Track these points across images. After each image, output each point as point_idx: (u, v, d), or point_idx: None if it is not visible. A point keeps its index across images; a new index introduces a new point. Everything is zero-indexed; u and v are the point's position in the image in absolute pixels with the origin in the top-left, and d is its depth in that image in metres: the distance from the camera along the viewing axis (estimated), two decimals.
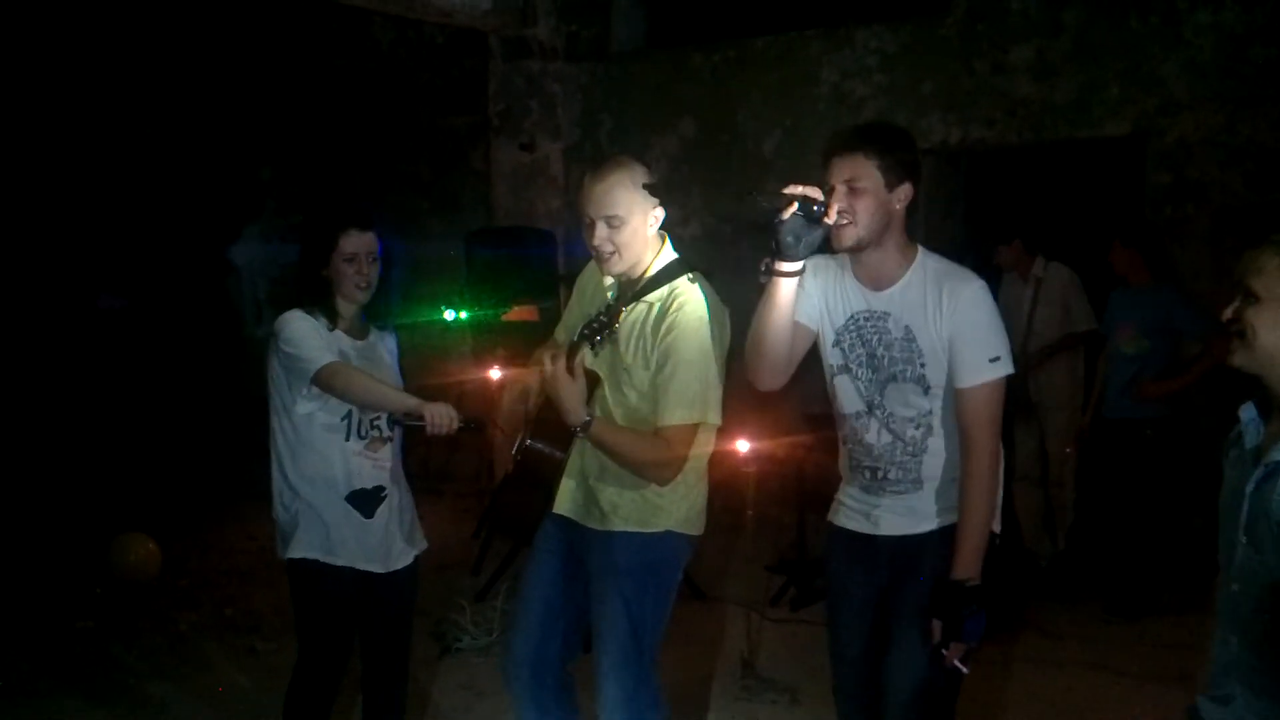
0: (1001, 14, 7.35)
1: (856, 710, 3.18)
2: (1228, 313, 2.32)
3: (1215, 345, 5.79)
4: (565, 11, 8.53)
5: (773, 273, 2.92)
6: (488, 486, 7.72)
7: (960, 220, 8.07)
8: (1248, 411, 2.38)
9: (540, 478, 3.37)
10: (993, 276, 6.67)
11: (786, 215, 2.81)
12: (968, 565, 2.89)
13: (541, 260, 7.25)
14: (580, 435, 3.12)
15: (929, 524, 3.01)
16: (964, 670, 2.92)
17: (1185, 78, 6.87)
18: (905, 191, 2.94)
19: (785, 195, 2.82)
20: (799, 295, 3.00)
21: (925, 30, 7.63)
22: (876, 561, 3.08)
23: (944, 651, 2.88)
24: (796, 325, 3.04)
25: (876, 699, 3.07)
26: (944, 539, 2.97)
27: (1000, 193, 8.03)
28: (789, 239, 2.84)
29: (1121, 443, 6.01)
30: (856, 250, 2.95)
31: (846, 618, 3.18)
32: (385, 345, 3.73)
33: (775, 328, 2.99)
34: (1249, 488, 2.28)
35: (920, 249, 3.02)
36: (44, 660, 5.39)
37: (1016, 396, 6.23)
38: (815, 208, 2.81)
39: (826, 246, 2.96)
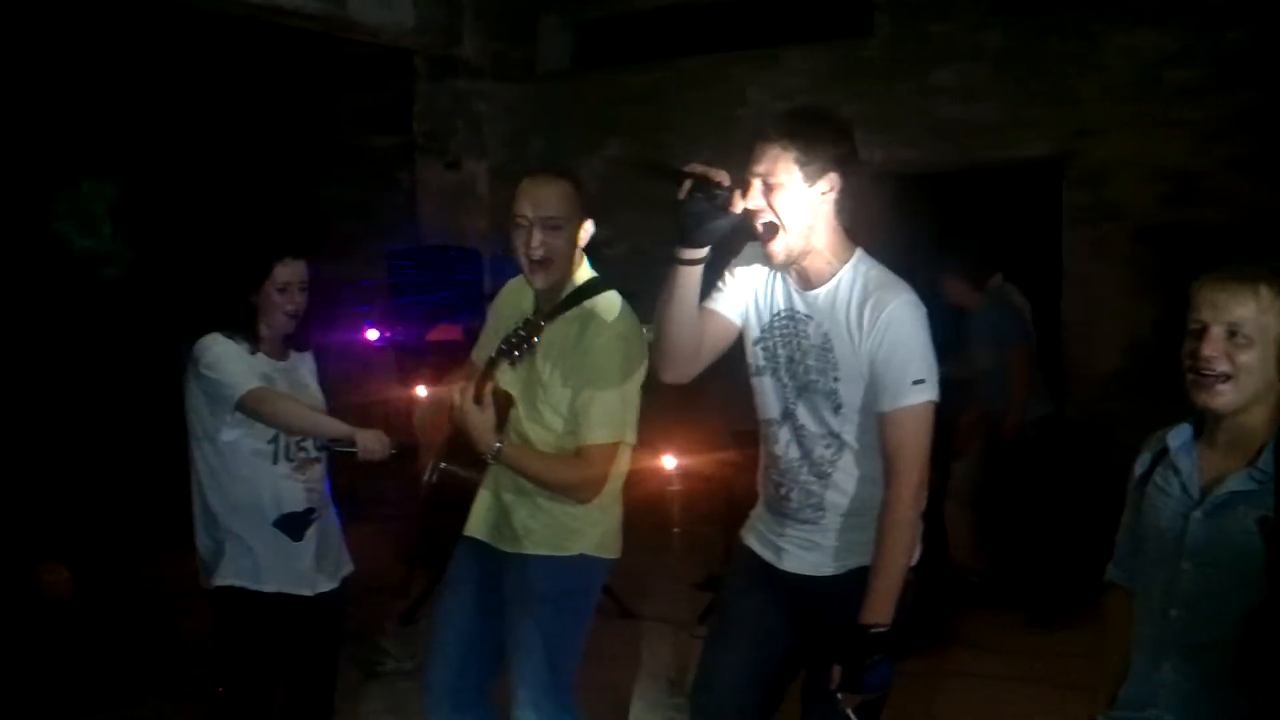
0: (924, 37, 7.46)
1: None
2: (1205, 352, 2.17)
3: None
4: (492, 31, 8.52)
5: (672, 259, 2.67)
6: (415, 510, 7.63)
7: (892, 242, 8.11)
8: (1178, 437, 2.32)
9: (456, 501, 3.33)
10: (937, 302, 6.76)
11: (683, 195, 2.58)
12: (877, 609, 2.59)
13: (465, 279, 7.21)
14: (492, 463, 3.07)
15: (831, 566, 2.77)
16: None
17: (1103, 100, 7.01)
18: (830, 183, 2.67)
19: (681, 172, 2.58)
20: (728, 287, 2.84)
21: (850, 52, 7.72)
22: (778, 597, 2.86)
23: (838, 696, 2.60)
24: (718, 318, 2.84)
25: None
26: (851, 585, 2.68)
27: (935, 215, 8.09)
28: (689, 222, 2.59)
29: (1010, 450, 6.16)
30: (790, 264, 2.72)
31: (730, 642, 2.93)
32: (306, 366, 3.68)
33: (677, 319, 2.73)
34: (1197, 514, 2.23)
35: (859, 251, 2.76)
36: None
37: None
38: (717, 192, 2.56)
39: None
